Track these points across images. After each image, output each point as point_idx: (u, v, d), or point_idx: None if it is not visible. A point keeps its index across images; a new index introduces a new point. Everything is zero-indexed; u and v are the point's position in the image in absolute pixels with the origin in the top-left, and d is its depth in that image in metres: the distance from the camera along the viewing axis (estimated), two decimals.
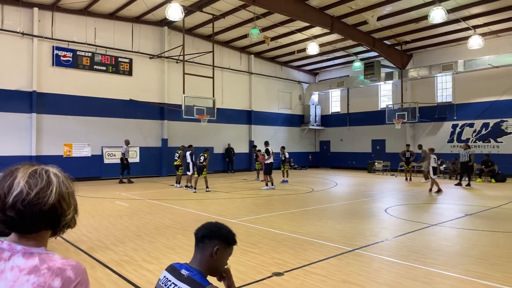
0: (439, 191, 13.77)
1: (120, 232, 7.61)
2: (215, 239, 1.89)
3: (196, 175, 14.47)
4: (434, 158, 14.29)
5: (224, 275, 1.95)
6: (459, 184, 16.37)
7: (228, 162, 23.88)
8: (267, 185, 15.09)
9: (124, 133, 19.72)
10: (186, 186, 15.37)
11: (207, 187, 14.32)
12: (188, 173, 15.33)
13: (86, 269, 1.19)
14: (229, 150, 23.89)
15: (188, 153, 15.33)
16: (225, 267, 1.95)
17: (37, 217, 1.12)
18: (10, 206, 1.09)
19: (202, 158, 14.36)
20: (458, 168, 17.82)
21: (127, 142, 17.65)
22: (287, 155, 18.06)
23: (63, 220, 1.18)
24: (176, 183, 16.01)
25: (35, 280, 1.08)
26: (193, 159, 14.93)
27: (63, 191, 1.17)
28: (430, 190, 14.08)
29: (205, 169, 14.33)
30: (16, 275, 1.09)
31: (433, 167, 14.13)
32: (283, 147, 18.35)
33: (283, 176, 17.65)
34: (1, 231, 1.18)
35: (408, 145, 19.99)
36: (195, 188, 14.29)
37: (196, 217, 9.10)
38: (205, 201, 11.99)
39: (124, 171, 17.46)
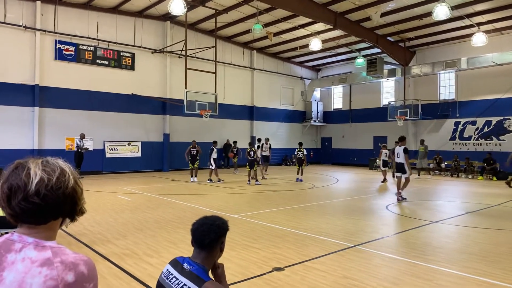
0: (384, 181, 16.31)
1: (122, 226, 7.64)
2: (221, 237, 1.97)
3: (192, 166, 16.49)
4: (386, 153, 16.92)
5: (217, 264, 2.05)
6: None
7: (225, 158, 23.86)
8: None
9: (126, 127, 19.78)
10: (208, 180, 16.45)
11: (195, 176, 16.33)
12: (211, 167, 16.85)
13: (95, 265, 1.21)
14: (227, 146, 23.80)
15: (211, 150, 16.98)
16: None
17: (60, 201, 1.15)
18: (34, 193, 1.11)
19: (194, 151, 16.48)
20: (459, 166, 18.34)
21: (82, 136, 17.06)
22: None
23: (79, 204, 1.22)
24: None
25: (47, 273, 1.08)
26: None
27: (76, 177, 1.22)
28: (384, 180, 16.42)
29: (197, 161, 16.42)
30: (27, 266, 1.09)
31: (384, 160, 17.03)
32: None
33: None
34: (3, 223, 1.18)
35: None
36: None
37: (197, 212, 9.12)
38: (207, 196, 12.02)
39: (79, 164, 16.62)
